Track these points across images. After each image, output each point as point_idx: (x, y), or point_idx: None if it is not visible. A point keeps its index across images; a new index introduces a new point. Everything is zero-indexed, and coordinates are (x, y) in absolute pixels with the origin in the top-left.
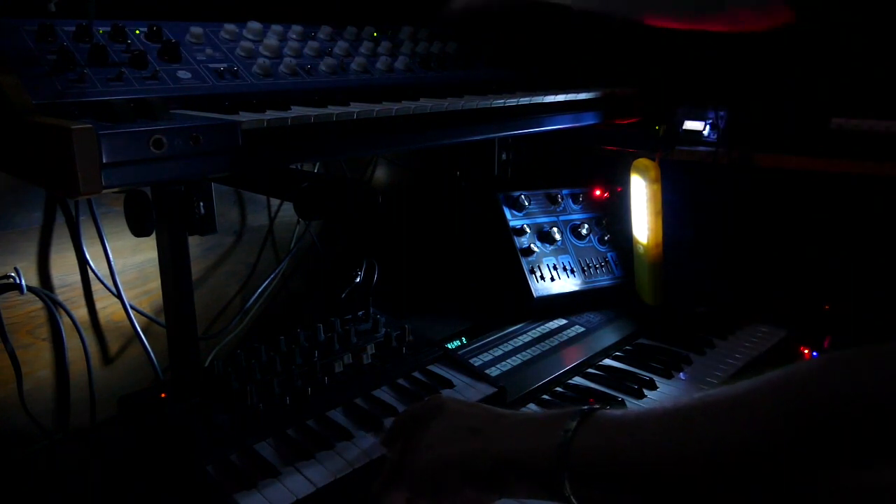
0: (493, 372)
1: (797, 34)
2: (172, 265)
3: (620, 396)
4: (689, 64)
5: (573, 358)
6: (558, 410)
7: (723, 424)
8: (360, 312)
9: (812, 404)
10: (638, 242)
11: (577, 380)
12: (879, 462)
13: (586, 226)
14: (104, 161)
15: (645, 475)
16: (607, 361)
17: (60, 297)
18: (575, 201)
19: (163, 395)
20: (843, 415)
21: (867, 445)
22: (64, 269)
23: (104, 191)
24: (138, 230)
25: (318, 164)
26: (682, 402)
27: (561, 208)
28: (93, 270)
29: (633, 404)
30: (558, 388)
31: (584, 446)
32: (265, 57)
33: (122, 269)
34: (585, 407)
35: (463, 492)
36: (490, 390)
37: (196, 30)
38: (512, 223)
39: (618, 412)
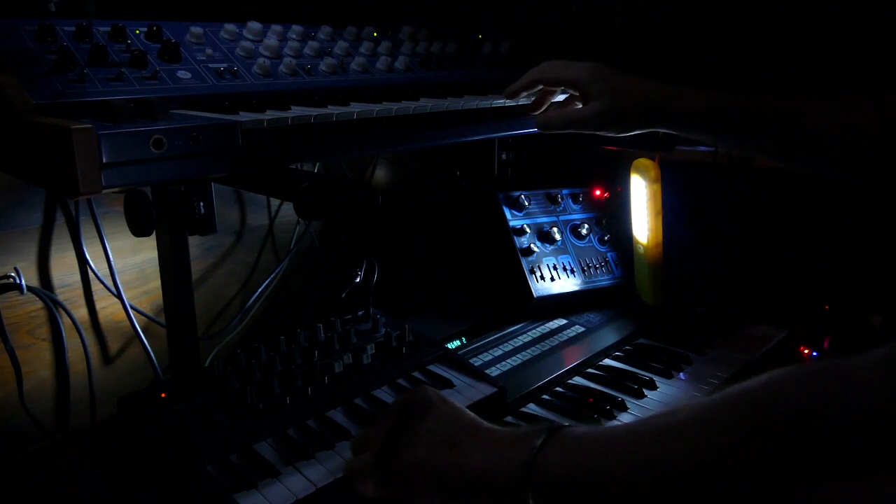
0: (493, 372)
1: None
2: (172, 265)
3: (620, 396)
4: (688, 63)
5: (573, 358)
6: (529, 427)
7: (676, 447)
8: (360, 312)
9: (763, 422)
10: (638, 242)
11: (577, 380)
12: (835, 478)
13: (586, 226)
14: (104, 161)
15: (606, 496)
16: (607, 361)
17: (60, 297)
18: (575, 201)
19: (163, 395)
20: (796, 431)
21: (822, 461)
22: (64, 269)
23: (104, 191)
24: (138, 230)
25: (318, 164)
26: (642, 422)
27: (561, 208)
28: (93, 270)
29: (633, 404)
30: (558, 388)
31: (548, 464)
32: (265, 57)
33: (122, 269)
34: (554, 424)
35: (430, 500)
36: (490, 390)
37: (196, 30)
38: (512, 223)
39: (584, 430)
